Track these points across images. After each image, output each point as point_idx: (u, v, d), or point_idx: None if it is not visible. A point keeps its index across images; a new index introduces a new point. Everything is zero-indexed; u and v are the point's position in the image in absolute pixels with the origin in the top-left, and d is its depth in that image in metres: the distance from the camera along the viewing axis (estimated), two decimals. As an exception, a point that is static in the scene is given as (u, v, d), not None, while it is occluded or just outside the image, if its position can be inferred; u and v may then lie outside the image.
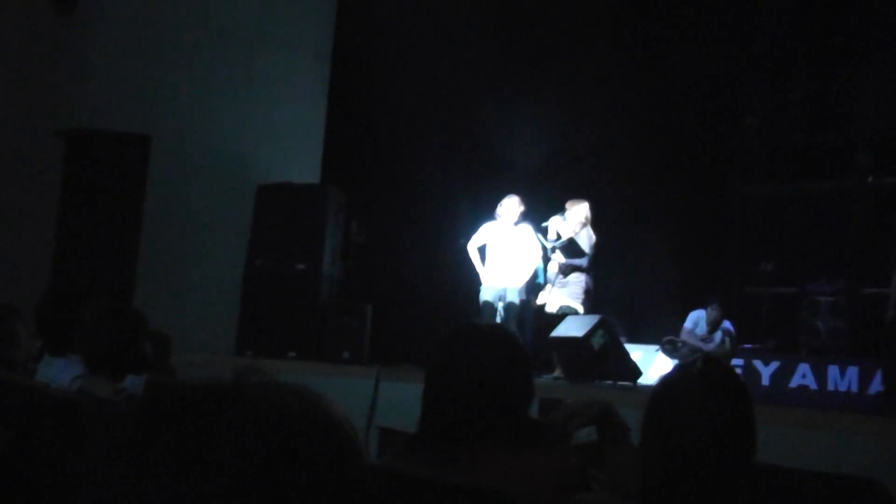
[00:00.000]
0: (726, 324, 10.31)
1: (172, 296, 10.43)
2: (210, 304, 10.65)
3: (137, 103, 10.61)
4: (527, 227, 10.02)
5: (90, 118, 10.56)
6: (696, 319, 10.37)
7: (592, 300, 9.90)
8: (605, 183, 11.75)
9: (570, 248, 9.80)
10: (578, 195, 10.09)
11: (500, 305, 9.82)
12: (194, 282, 10.65)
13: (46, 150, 10.49)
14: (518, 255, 9.87)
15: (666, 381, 2.30)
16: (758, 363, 10.85)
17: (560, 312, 9.69)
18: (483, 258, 10.03)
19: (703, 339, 10.26)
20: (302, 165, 11.63)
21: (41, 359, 4.19)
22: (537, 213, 10.30)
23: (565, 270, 9.83)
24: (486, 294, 9.83)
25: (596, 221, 9.98)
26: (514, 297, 9.85)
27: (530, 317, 10.53)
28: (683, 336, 10.33)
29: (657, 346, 10.59)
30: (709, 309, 10.26)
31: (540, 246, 9.92)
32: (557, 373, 9.42)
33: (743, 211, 12.48)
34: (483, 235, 10.03)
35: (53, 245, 10.38)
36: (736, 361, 10.62)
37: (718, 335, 10.28)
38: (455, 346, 2.27)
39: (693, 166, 12.17)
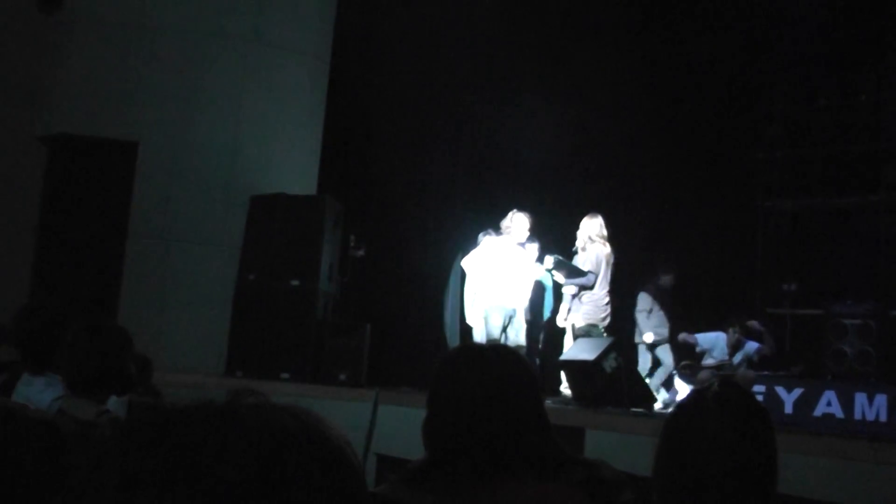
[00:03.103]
0: (751, 345, 10.27)
1: (159, 312, 10.42)
2: (199, 322, 10.64)
3: (124, 107, 10.64)
4: (534, 248, 10.20)
5: (74, 123, 10.59)
6: (714, 342, 10.34)
7: (612, 319, 9.92)
8: (620, 197, 11.76)
9: (565, 268, 9.81)
10: (591, 209, 10.11)
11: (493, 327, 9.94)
12: (182, 298, 10.64)
13: (27, 155, 10.52)
14: (525, 274, 9.99)
15: (681, 407, 2.29)
16: (780, 390, 10.79)
17: (579, 333, 9.70)
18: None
19: (724, 365, 10.23)
20: (298, 174, 11.63)
21: (20, 378, 4.18)
22: (549, 227, 10.34)
23: (576, 292, 9.86)
24: (493, 314, 9.86)
25: (613, 237, 9.99)
26: (522, 317, 9.94)
27: (538, 337, 10.59)
28: (705, 360, 10.32)
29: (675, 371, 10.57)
30: (730, 331, 10.23)
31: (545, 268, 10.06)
32: (564, 397, 9.41)
33: (765, 227, 12.46)
34: (485, 251, 10.09)
35: (33, 257, 10.39)
36: (757, 388, 10.58)
37: (739, 358, 10.25)
38: (460, 367, 2.26)
39: (713, 179, 12.17)
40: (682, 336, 10.54)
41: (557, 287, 10.40)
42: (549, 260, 9.90)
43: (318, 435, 0.98)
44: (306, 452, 0.95)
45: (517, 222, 9.99)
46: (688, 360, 10.36)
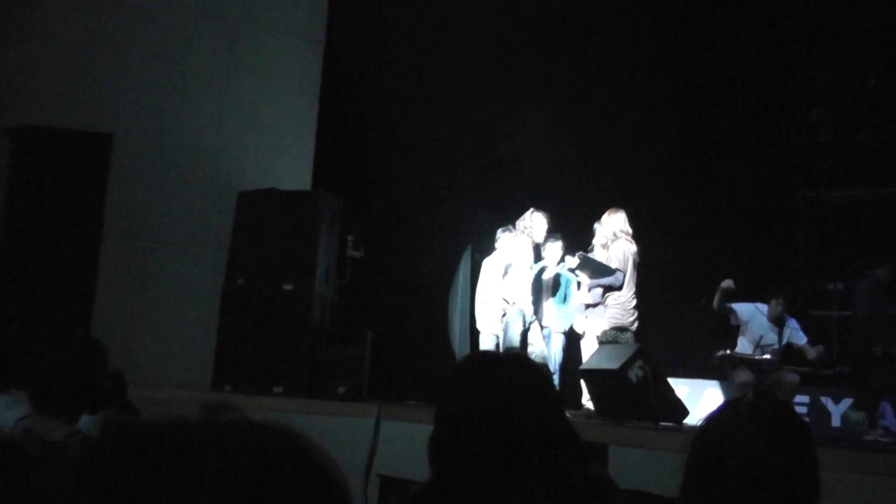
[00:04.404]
0: (795, 327, 10.06)
1: (137, 322, 10.44)
2: (182, 332, 10.65)
3: (96, 95, 10.65)
4: (556, 247, 10.22)
5: (40, 113, 10.60)
6: (753, 314, 10.05)
7: (640, 322, 9.91)
8: (643, 192, 11.75)
9: (591, 267, 9.81)
10: (613, 205, 10.10)
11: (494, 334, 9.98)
12: (163, 305, 10.65)
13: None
14: (546, 276, 10.07)
15: (710, 420, 2.26)
16: (826, 401, 10.78)
17: (606, 339, 9.70)
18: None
19: (762, 346, 9.95)
20: (290, 168, 11.65)
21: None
22: (566, 225, 10.35)
23: (601, 295, 9.85)
24: (513, 321, 9.88)
25: (639, 234, 9.99)
26: (540, 322, 10.01)
27: (556, 345, 10.63)
28: (739, 348, 10.07)
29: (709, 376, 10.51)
30: (772, 303, 9.98)
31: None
32: (586, 409, 9.40)
33: (807, 220, 12.42)
34: (504, 252, 10.14)
35: (-5, 260, 10.40)
36: (799, 398, 10.53)
37: (786, 334, 9.98)
38: (471, 378, 2.24)
39: (748, 169, 12.14)
40: (726, 284, 10.09)
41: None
42: (573, 259, 9.90)
43: (302, 455, 0.97)
44: (288, 474, 0.94)
45: (536, 222, 10.02)
46: (722, 351, 10.05)
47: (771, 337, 9.90)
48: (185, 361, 10.54)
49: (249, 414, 1.01)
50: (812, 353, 10.00)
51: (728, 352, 10.02)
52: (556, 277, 10.64)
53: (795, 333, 9.98)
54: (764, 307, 9.99)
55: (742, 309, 10.00)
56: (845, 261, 12.04)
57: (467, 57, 12.24)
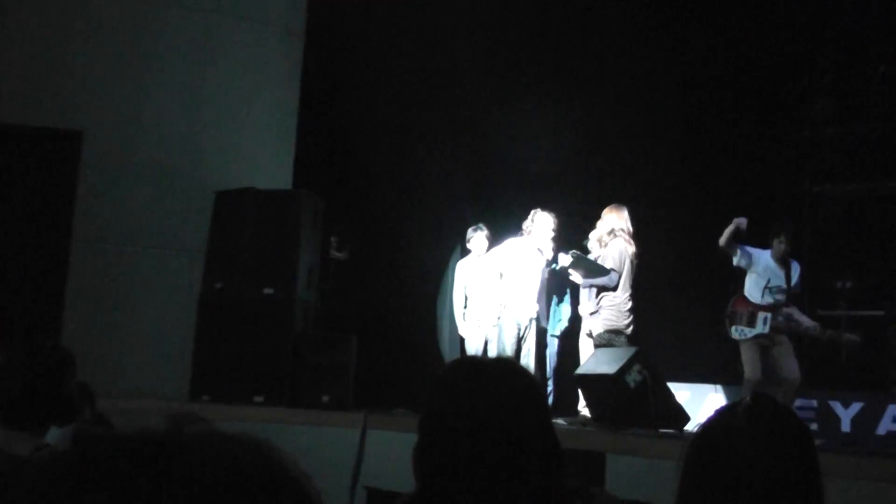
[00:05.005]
0: (796, 265, 9.94)
1: (110, 328, 10.41)
2: (157, 339, 10.63)
3: (64, 91, 10.61)
4: (548, 248, 10.35)
5: (5, 110, 10.56)
6: (759, 256, 9.90)
7: (636, 325, 9.92)
8: (645, 186, 11.76)
9: (584, 266, 9.82)
10: (611, 201, 10.12)
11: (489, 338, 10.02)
12: (137, 310, 10.63)
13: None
14: (543, 280, 10.10)
15: (707, 425, 2.26)
16: (836, 404, 10.80)
17: (599, 342, 9.71)
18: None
19: (769, 287, 9.77)
20: (270, 166, 11.63)
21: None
22: (561, 223, 10.37)
23: (597, 295, 9.86)
24: (507, 326, 9.90)
25: (638, 232, 10.00)
26: (535, 326, 10.05)
27: (550, 349, 10.66)
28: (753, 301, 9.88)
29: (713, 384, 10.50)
30: (775, 242, 9.87)
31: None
32: (583, 417, 9.41)
33: (814, 216, 12.44)
34: (508, 253, 10.19)
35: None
36: (806, 402, 10.55)
37: (795, 278, 9.88)
38: (455, 385, 2.25)
39: (752, 163, 12.15)
40: (740, 221, 9.93)
41: (575, 292, 10.43)
42: (566, 257, 9.91)
43: (272, 467, 0.96)
44: (257, 488, 0.93)
45: (540, 222, 10.01)
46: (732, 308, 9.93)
47: (778, 278, 9.81)
48: (160, 370, 10.51)
49: (227, 425, 1.01)
50: (823, 334, 9.94)
51: (733, 308, 9.89)
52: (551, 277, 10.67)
53: (798, 279, 9.91)
54: (765, 254, 9.91)
55: (749, 249, 9.91)
56: (853, 258, 12.07)
57: (455, 50, 12.24)
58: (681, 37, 12.04)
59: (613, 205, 10.00)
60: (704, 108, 12.20)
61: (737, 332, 9.78)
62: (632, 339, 9.77)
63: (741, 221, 9.74)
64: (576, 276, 10.03)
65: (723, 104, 12.23)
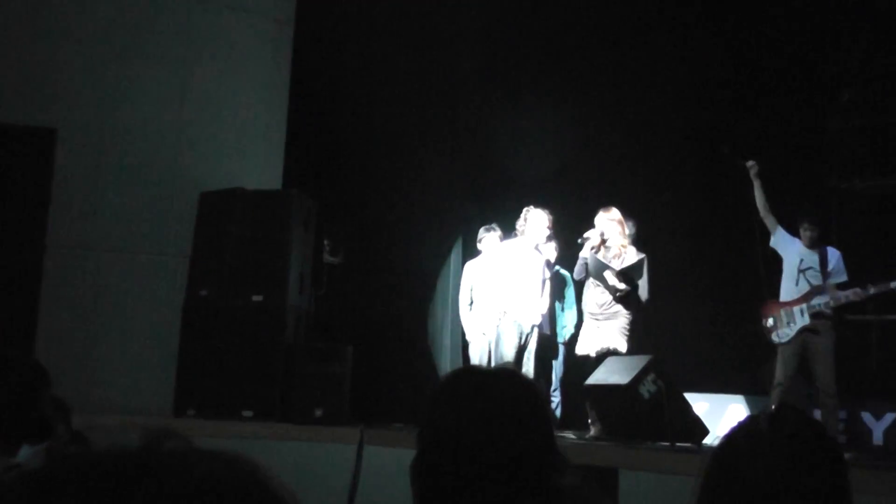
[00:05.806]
0: (837, 260, 9.91)
1: (88, 339, 10.41)
2: (139, 350, 10.63)
3: (37, 86, 10.62)
4: (550, 248, 10.38)
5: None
6: (791, 242, 9.91)
7: (639, 337, 9.90)
8: (661, 186, 11.76)
9: (633, 271, 9.84)
10: (616, 202, 10.12)
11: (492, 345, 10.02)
12: (117, 320, 10.63)
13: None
14: (542, 282, 10.05)
15: (727, 440, 2.26)
16: (867, 416, 10.79)
17: (600, 353, 9.71)
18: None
19: (802, 270, 9.74)
20: (258, 165, 11.64)
21: None
22: (560, 223, 10.38)
23: (620, 300, 9.86)
24: (506, 333, 9.88)
25: (653, 233, 10.04)
26: (538, 333, 10.05)
27: (557, 358, 10.65)
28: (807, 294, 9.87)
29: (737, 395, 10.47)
30: (801, 230, 9.84)
31: (582, 269, 10.05)
32: (595, 431, 9.40)
33: (839, 213, 12.42)
34: (495, 257, 10.17)
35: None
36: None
37: (834, 262, 9.84)
38: (455, 397, 2.25)
39: (773, 157, 12.13)
40: (750, 164, 9.91)
41: (579, 298, 10.41)
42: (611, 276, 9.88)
43: (254, 487, 0.96)
44: None
45: (533, 220, 9.98)
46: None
47: (812, 261, 9.78)
48: (142, 384, 10.52)
49: (214, 442, 1.01)
50: (866, 292, 9.86)
51: (769, 312, 9.85)
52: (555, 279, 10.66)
53: (839, 264, 9.85)
54: (795, 242, 9.90)
55: (785, 232, 9.91)
56: (883, 258, 12.05)
57: (452, 45, 12.24)
58: (704, 27, 12.03)
59: (613, 207, 9.99)
60: (719, 100, 12.17)
61: (779, 336, 9.75)
62: (648, 347, 9.76)
63: (751, 164, 9.83)
64: (612, 279, 9.89)
65: (740, 95, 12.21)
